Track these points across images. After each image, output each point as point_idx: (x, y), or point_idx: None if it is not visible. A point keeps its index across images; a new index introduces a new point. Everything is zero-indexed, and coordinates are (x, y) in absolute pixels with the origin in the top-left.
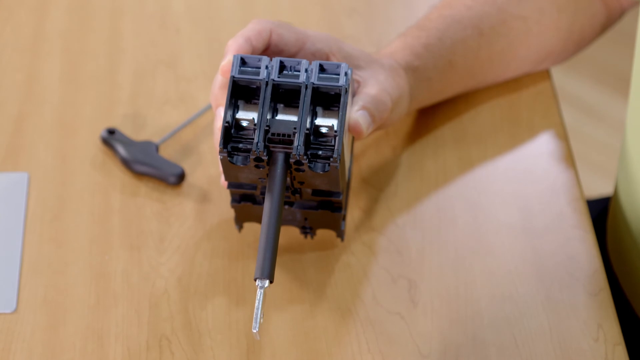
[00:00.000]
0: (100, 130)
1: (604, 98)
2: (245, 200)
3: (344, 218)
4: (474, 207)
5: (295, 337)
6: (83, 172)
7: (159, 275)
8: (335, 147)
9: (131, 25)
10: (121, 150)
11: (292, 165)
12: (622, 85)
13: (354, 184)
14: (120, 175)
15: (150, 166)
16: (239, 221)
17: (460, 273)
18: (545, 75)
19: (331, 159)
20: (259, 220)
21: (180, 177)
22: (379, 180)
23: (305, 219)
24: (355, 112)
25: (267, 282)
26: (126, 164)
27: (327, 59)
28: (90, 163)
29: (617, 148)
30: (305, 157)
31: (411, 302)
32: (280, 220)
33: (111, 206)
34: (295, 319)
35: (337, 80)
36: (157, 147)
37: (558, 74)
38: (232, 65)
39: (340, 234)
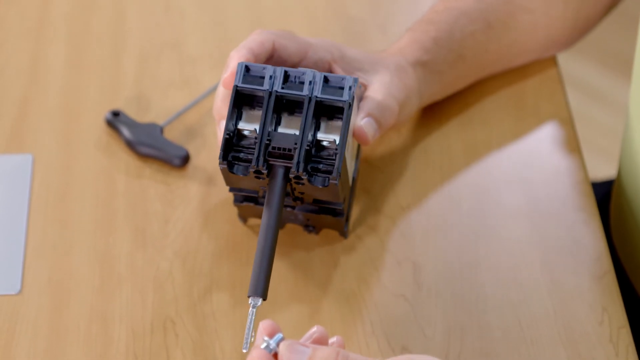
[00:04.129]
0: (105, 113)
1: (609, 82)
2: (248, 201)
3: (347, 219)
4: (478, 191)
5: (300, 320)
6: (87, 154)
7: (164, 257)
8: (335, 166)
9: (136, 8)
10: (126, 132)
11: (291, 179)
12: (627, 69)
13: (359, 166)
14: (124, 157)
15: (154, 148)
16: (243, 217)
17: (464, 256)
18: (551, 59)
19: (331, 177)
20: (261, 216)
21: (185, 159)
22: (385, 164)
23: (308, 219)
24: (361, 120)
25: (260, 301)
26: (131, 145)
27: (330, 66)
28: (95, 145)
29: (622, 131)
30: (304, 173)
31: (416, 284)
32: (276, 238)
33: (115, 188)
34: (300, 302)
35: (342, 93)
36: (161, 129)
37: (563, 58)
38: (237, 74)
39: (344, 234)
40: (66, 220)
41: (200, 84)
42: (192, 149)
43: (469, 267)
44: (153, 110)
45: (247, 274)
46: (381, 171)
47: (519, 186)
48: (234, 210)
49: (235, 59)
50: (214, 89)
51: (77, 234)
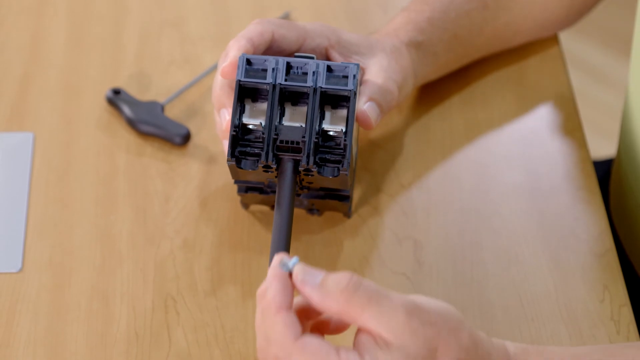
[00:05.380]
0: (106, 91)
1: (610, 61)
2: (252, 191)
3: (350, 200)
4: (480, 169)
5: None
6: (88, 132)
7: (165, 235)
8: (346, 157)
9: None
10: (126, 110)
11: (301, 171)
12: (628, 48)
13: (360, 144)
14: (125, 135)
15: (155, 126)
16: (245, 203)
17: (465, 234)
18: (553, 37)
19: (341, 168)
20: (265, 203)
21: (186, 138)
22: (386, 142)
23: (312, 204)
24: (363, 104)
25: None
26: (131, 124)
27: (327, 52)
28: (96, 123)
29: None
30: (314, 165)
31: (417, 262)
32: (290, 234)
33: (116, 166)
34: None
35: (346, 82)
36: (162, 108)
37: (564, 37)
38: (238, 68)
39: (347, 214)
40: (67, 199)
41: (201, 62)
42: (193, 127)
43: (469, 244)
44: (154, 88)
45: (249, 252)
46: (382, 149)
47: (520, 164)
48: (235, 188)
49: (235, 48)
50: (214, 68)
51: (78, 212)
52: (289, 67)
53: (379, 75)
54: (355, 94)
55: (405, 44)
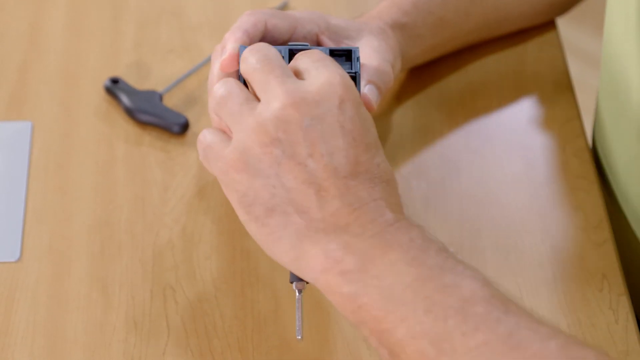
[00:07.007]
0: (104, 80)
1: None
2: None
3: None
4: (478, 158)
5: (304, 293)
6: (87, 121)
7: (163, 224)
8: None
9: None
10: (125, 99)
11: None
12: None
13: None
14: (124, 124)
15: (154, 115)
16: None
17: (465, 223)
18: (551, 25)
19: None
20: None
21: (184, 127)
22: (384, 131)
23: None
24: (363, 87)
25: (304, 284)
26: (130, 113)
27: (318, 38)
28: (94, 112)
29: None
30: None
31: None
32: None
33: (115, 155)
34: None
35: (350, 66)
36: (161, 97)
37: (562, 26)
38: (240, 58)
39: None
40: (66, 188)
41: (200, 51)
42: (191, 116)
43: (469, 233)
44: (152, 77)
45: (247, 241)
46: (380, 138)
47: (518, 153)
48: None
49: (232, 41)
50: None
51: (77, 201)
52: (291, 55)
53: (373, 57)
54: (359, 76)
55: (390, 26)
